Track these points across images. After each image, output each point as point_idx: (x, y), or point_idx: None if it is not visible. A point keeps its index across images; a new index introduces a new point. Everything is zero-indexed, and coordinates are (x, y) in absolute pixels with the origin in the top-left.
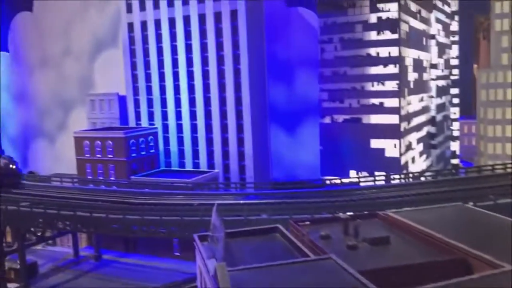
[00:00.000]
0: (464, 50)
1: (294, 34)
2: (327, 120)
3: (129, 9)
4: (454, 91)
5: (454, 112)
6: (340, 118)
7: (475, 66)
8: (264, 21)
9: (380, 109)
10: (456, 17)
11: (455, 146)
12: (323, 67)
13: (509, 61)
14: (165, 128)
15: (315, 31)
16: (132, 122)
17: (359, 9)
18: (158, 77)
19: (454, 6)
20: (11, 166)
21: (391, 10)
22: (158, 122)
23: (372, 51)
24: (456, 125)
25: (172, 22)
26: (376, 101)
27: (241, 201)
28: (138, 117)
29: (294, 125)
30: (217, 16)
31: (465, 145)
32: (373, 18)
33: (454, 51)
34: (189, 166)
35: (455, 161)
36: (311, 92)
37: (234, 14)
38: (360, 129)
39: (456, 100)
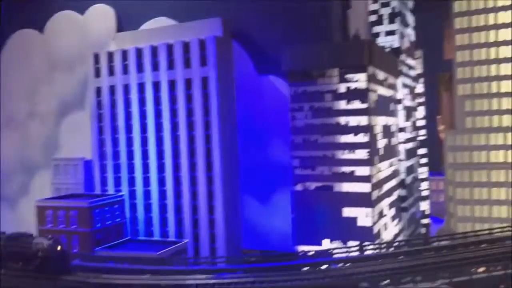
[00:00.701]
0: (430, 109)
1: (266, 101)
2: (299, 187)
3: (97, 74)
4: (422, 151)
5: (423, 173)
6: (312, 185)
7: (438, 118)
8: (235, 88)
9: (352, 178)
10: (421, 80)
11: (424, 205)
12: (294, 135)
13: (473, 124)
14: (133, 194)
15: (286, 99)
16: (98, 188)
17: (328, 78)
18: (126, 142)
19: (419, 69)
20: (57, 247)
21: (359, 81)
22: (125, 188)
23: (342, 120)
24: (425, 185)
25: (141, 87)
26: (347, 169)
27: (211, 281)
28: (104, 182)
29: (266, 192)
30: (188, 83)
31: (434, 202)
32: (342, 88)
33: (421, 112)
34: (157, 235)
35: (425, 220)
36: (283, 159)
37: (205, 80)
38: (332, 197)
39: (424, 160)
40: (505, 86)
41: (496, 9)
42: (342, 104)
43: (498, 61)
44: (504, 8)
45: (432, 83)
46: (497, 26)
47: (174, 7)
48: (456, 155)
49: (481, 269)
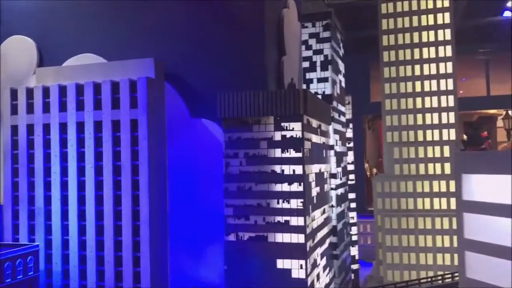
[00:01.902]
0: (358, 151)
1: (199, 146)
2: (231, 237)
3: (14, 111)
4: (352, 195)
5: (352, 217)
6: (245, 235)
7: (366, 163)
8: (166, 131)
9: (286, 228)
10: (350, 125)
11: (354, 250)
12: (228, 182)
13: (400, 171)
14: (48, 244)
15: (220, 144)
16: (8, 236)
17: (263, 126)
18: (44, 186)
19: (349, 115)
20: None
21: (295, 129)
22: (40, 237)
23: (277, 168)
24: (354, 229)
25: (63, 127)
26: (281, 219)
27: None
28: (16, 230)
29: (198, 242)
30: (115, 124)
31: (363, 245)
32: (277, 136)
33: (350, 157)
34: None
35: (355, 266)
36: (216, 208)
37: (134, 123)
38: (266, 247)
39: (353, 205)
40: (430, 134)
41: (422, 61)
42: (277, 152)
43: (425, 110)
44: (429, 61)
45: (359, 125)
46: (423, 77)
47: (102, 44)
48: (385, 201)
49: None
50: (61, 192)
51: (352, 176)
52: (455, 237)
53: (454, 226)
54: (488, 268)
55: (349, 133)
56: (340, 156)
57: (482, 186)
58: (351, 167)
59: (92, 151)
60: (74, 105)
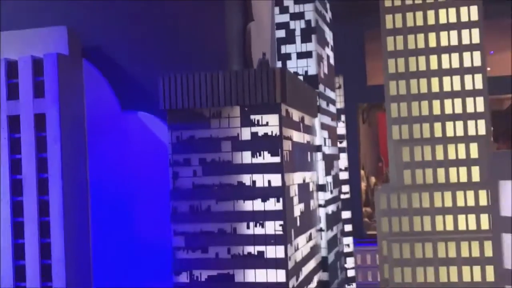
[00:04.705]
0: (355, 157)
1: (133, 150)
2: (183, 278)
3: None
4: (346, 214)
5: (348, 245)
6: (203, 274)
7: (361, 169)
8: (86, 130)
9: (260, 262)
10: (343, 117)
11: None
12: (176, 200)
13: (412, 179)
14: None
15: (164, 146)
16: None
17: (226, 120)
18: None
19: (340, 103)
20: None
21: (269, 124)
22: None
23: (246, 178)
24: (350, 262)
25: None
26: (253, 249)
27: None
28: None
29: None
30: (13, 122)
31: (362, 283)
32: (245, 133)
33: (343, 161)
34: None
35: None
36: (159, 238)
37: (40, 120)
38: None
39: (348, 227)
40: (451, 128)
41: (438, 27)
42: (246, 157)
43: (443, 95)
44: (448, 27)
45: (354, 117)
46: (439, 50)
47: None
48: (392, 221)
49: None
50: None
51: (346, 188)
52: (488, 268)
53: (488, 253)
54: None
55: (341, 129)
56: (330, 161)
57: None
58: (344, 175)
59: None
60: None
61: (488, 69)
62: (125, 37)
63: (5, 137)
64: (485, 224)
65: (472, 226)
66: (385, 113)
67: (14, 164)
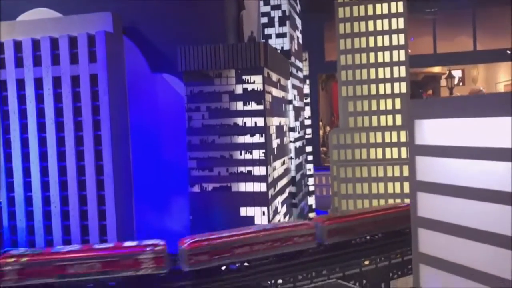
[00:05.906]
0: (315, 109)
1: (161, 101)
2: (196, 189)
3: None
4: (308, 149)
5: (309, 169)
6: (209, 186)
7: (320, 123)
8: (126, 86)
9: (249, 177)
10: (308, 81)
11: (311, 200)
12: (191, 135)
13: (354, 124)
14: (11, 201)
15: (182, 98)
16: None
17: (225, 79)
18: (3, 144)
19: (306, 71)
20: None
21: (256, 82)
22: (2, 195)
23: (239, 120)
24: (311, 181)
25: (20, 84)
26: (244, 169)
27: None
28: None
29: (162, 195)
30: (75, 80)
31: (319, 195)
32: (239, 89)
33: (307, 111)
34: (40, 244)
35: (312, 214)
36: (179, 161)
37: (93, 78)
38: (230, 197)
39: (310, 157)
40: (383, 88)
41: (375, 17)
42: (239, 105)
43: (377, 65)
44: (382, 16)
45: (315, 83)
46: (376, 33)
47: None
48: (340, 152)
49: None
50: (21, 150)
51: (309, 131)
52: (405, 184)
53: (405, 173)
54: (438, 205)
55: (306, 89)
56: (298, 111)
57: (433, 131)
58: (308, 122)
59: (52, 107)
60: (31, 61)
61: (409, 50)
62: (153, 20)
63: (69, 91)
64: (403, 154)
65: (395, 155)
66: (337, 83)
67: (76, 110)
